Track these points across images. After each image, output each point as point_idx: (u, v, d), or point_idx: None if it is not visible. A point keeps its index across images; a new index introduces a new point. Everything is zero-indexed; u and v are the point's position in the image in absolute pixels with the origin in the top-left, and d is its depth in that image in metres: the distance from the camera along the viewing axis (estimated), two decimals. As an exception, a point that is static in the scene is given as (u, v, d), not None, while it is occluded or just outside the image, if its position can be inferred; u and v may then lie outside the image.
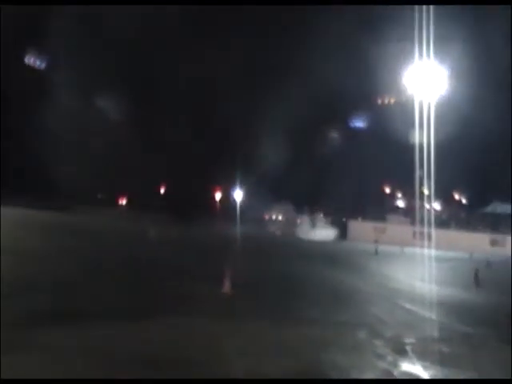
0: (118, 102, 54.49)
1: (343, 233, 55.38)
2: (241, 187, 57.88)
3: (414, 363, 7.51)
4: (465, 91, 43.83)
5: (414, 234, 42.21)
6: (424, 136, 19.48)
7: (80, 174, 48.33)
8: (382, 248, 35.78)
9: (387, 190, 68.92)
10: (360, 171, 57.84)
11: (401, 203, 66.29)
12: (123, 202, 69.42)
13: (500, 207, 58.68)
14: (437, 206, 57.84)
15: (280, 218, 67.04)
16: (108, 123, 54.87)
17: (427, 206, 45.07)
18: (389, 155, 52.32)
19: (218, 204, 64.87)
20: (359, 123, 71.20)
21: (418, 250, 30.08)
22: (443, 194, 54.03)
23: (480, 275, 19.58)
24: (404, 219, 55.67)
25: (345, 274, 20.38)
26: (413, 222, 47.19)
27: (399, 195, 67.38)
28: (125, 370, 6.18)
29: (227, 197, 62.22)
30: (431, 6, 18.28)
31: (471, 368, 7.42)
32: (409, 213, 54.84)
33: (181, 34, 57.89)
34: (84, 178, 48.59)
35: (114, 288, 11.99)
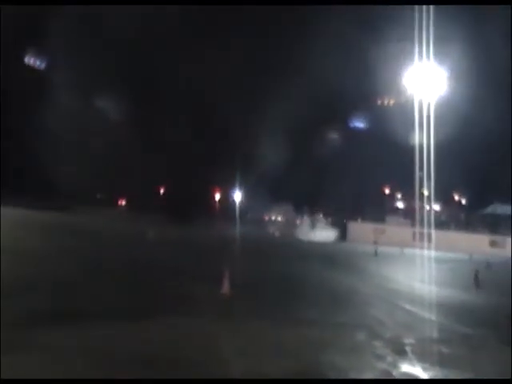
0: (117, 102, 54.54)
1: (343, 234, 55.27)
2: (240, 188, 57.95)
3: (413, 364, 7.51)
4: (464, 91, 43.94)
5: (414, 235, 42.16)
6: (424, 137, 19.51)
7: (80, 174, 48.38)
8: (381, 249, 35.74)
9: (387, 191, 68.87)
10: (360, 172, 57.87)
11: (400, 204, 66.35)
12: (123, 202, 69.55)
13: (500, 208, 58.71)
14: (436, 207, 57.81)
15: (280, 218, 67.02)
16: (108, 123, 54.88)
17: (427, 206, 45.04)
18: (388, 156, 52.30)
19: (217, 204, 64.92)
20: (359, 124, 71.19)
21: (417, 251, 30.11)
22: (443, 194, 54.03)
23: (480, 276, 19.55)
24: (404, 220, 55.66)
25: (344, 275, 20.36)
26: (412, 223, 47.18)
27: (399, 196, 67.45)
28: (125, 370, 6.19)
29: (227, 197, 62.29)
30: (431, 6, 18.33)
31: (471, 369, 7.43)
32: (408, 214, 54.83)
33: (181, 34, 57.88)
34: (84, 178, 48.65)
35: (113, 288, 12.00)
